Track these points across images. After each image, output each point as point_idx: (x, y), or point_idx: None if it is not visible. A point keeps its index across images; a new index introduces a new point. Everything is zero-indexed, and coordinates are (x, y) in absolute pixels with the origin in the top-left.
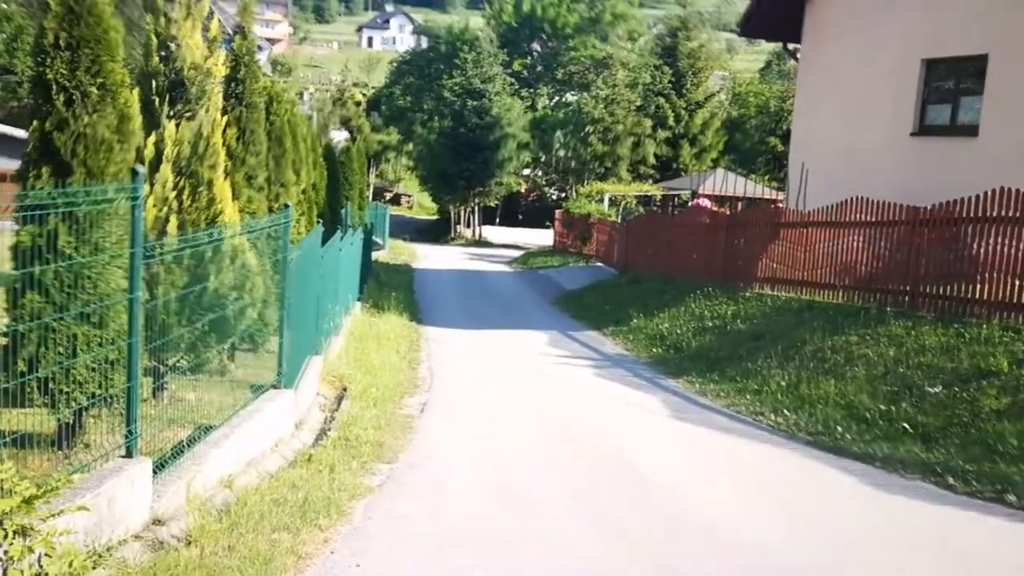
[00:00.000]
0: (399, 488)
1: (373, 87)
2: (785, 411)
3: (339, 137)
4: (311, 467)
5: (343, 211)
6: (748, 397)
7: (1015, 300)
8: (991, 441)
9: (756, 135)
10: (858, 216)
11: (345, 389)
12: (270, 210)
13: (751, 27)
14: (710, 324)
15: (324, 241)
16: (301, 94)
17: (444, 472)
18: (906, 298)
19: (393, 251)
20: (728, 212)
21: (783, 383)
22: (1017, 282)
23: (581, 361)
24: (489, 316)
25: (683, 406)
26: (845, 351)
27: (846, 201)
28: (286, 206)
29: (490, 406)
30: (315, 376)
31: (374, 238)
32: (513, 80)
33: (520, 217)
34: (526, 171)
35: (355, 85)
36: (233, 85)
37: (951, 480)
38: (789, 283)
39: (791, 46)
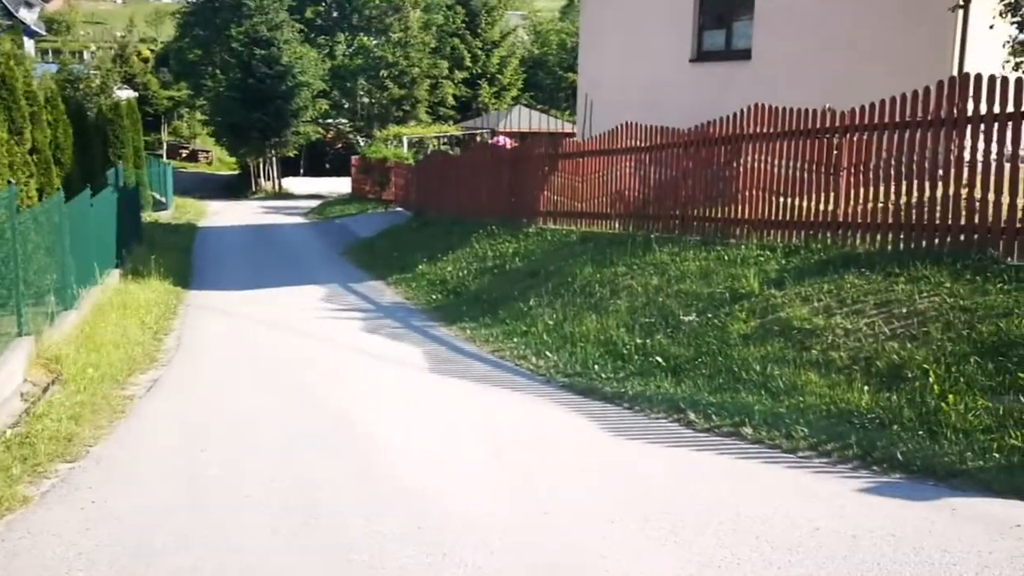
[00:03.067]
0: (66, 494)
1: (162, 42)
2: (547, 352)
3: (125, 95)
4: None
5: (113, 171)
6: (515, 340)
7: (770, 216)
8: (736, 368)
9: (557, 71)
10: (628, 142)
11: (60, 373)
12: None
13: None
14: (490, 265)
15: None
16: (80, 53)
17: (136, 467)
18: (676, 223)
19: (179, 210)
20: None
21: (550, 322)
22: (772, 198)
23: (353, 314)
24: (269, 274)
25: (446, 356)
26: (612, 283)
27: (616, 128)
28: None
29: (229, 377)
30: (21, 361)
31: (158, 197)
32: (304, 28)
33: (327, 167)
34: (330, 121)
35: (142, 41)
36: None
37: (692, 416)
38: (569, 216)
39: None
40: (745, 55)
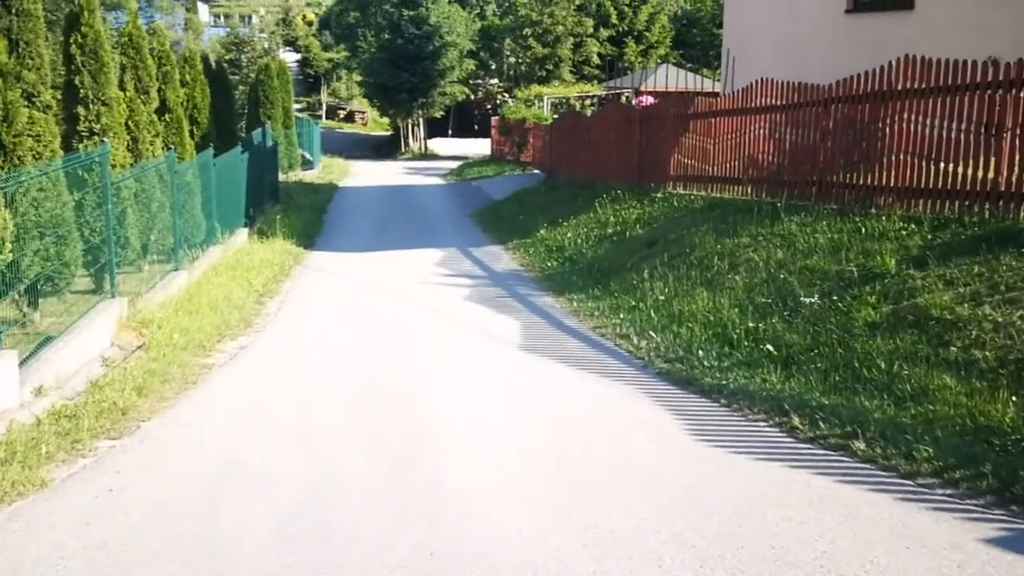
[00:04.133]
0: (90, 478)
1: (326, 6)
2: (651, 332)
3: (291, 58)
4: None
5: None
6: (621, 316)
7: (918, 184)
8: (857, 363)
9: (711, 28)
10: (763, 101)
11: (147, 338)
12: (69, 136)
13: None
14: (611, 232)
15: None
16: (249, 17)
17: (174, 451)
18: (812, 190)
19: (325, 169)
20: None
21: (660, 297)
22: (922, 163)
23: (463, 281)
24: (393, 235)
25: (543, 332)
26: (732, 256)
27: (750, 85)
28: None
29: (314, 351)
30: (108, 324)
31: (307, 156)
32: None
33: (476, 128)
34: (478, 81)
35: (308, 4)
36: None
37: (796, 421)
38: (699, 180)
39: None
40: (907, 4)
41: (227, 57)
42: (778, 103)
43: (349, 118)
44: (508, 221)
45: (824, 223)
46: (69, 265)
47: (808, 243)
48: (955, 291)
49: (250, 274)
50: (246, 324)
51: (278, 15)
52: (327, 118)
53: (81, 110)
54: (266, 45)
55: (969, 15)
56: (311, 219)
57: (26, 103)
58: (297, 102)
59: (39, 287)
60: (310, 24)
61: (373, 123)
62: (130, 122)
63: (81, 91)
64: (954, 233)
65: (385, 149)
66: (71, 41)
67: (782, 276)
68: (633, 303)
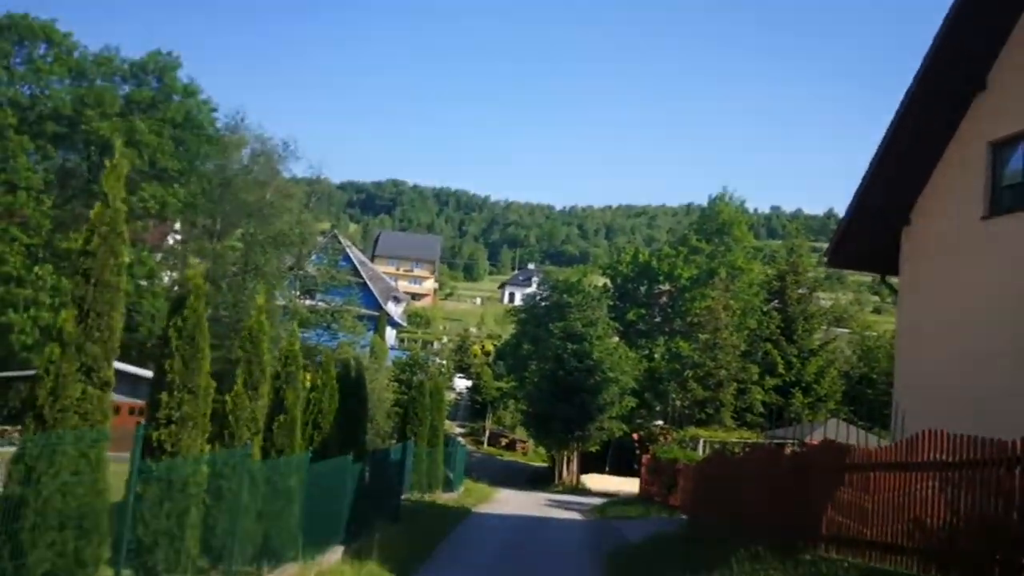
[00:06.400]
0: None
1: (505, 339)
2: None
3: (461, 385)
4: None
5: (400, 446)
6: None
7: None
8: None
9: (884, 388)
10: (930, 454)
11: None
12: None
13: (840, 257)
14: None
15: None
16: (432, 343)
17: None
18: (995, 569)
19: (465, 493)
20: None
21: None
22: None
23: None
24: (510, 573)
25: None
26: None
27: (916, 436)
28: None
29: None
30: None
31: (450, 477)
32: (623, 329)
33: (635, 467)
34: (640, 420)
35: (488, 337)
36: (82, 259)
37: None
38: (855, 544)
39: (889, 278)
40: None
41: (400, 377)
42: (950, 459)
43: (511, 446)
44: (638, 567)
45: None
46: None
47: None
48: None
49: None
50: None
51: (457, 342)
52: (489, 444)
53: (164, 396)
54: (440, 368)
55: None
56: (423, 544)
57: (84, 377)
58: (462, 427)
59: None
60: (487, 354)
61: (533, 454)
62: (231, 416)
63: (168, 376)
64: None
65: (540, 480)
66: (171, 324)
67: None
68: None
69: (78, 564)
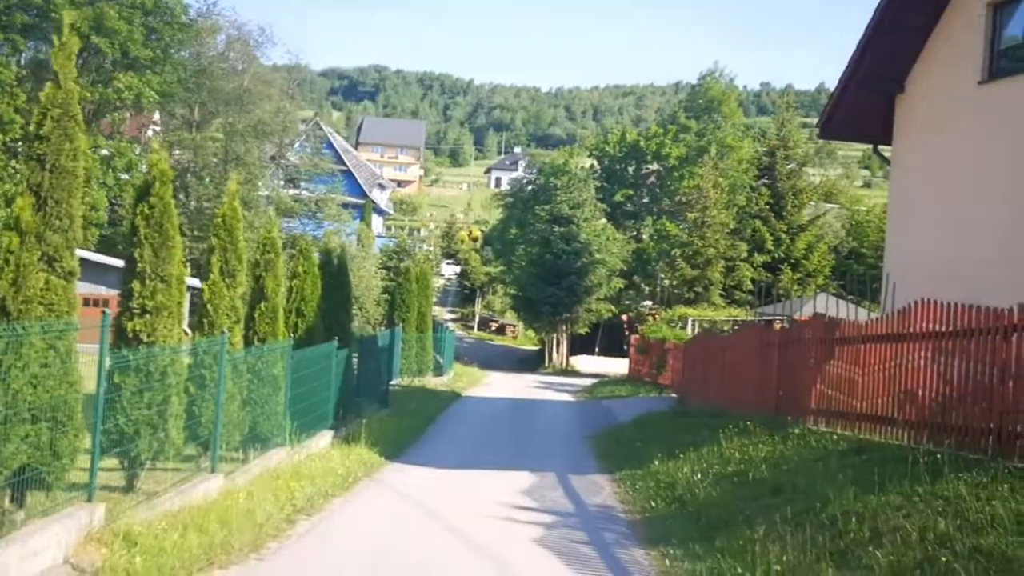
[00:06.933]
0: None
1: (492, 224)
2: None
3: (449, 271)
4: None
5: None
6: None
7: None
8: None
9: (873, 263)
10: (924, 325)
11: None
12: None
13: (832, 128)
14: (731, 470)
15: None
16: (418, 230)
17: None
18: (989, 439)
19: (455, 377)
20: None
21: (777, 566)
22: None
23: (542, 518)
24: (492, 453)
25: None
26: (874, 519)
27: (909, 306)
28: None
29: None
30: (64, 536)
31: (440, 361)
32: (611, 210)
33: (624, 348)
34: (628, 301)
35: (475, 223)
36: (36, 144)
37: None
38: (844, 417)
39: (881, 149)
40: None
41: (388, 264)
42: (944, 328)
43: (500, 330)
44: (624, 447)
45: (1005, 485)
46: (61, 456)
47: (983, 513)
48: None
49: (301, 484)
50: (252, 547)
51: (444, 228)
52: (479, 329)
53: (136, 285)
54: (428, 255)
55: None
56: (412, 427)
57: (46, 267)
58: (452, 312)
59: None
60: (475, 239)
61: (523, 337)
62: (209, 305)
63: (139, 265)
64: None
65: (530, 363)
66: (137, 212)
67: (943, 558)
68: (740, 570)
69: (54, 455)
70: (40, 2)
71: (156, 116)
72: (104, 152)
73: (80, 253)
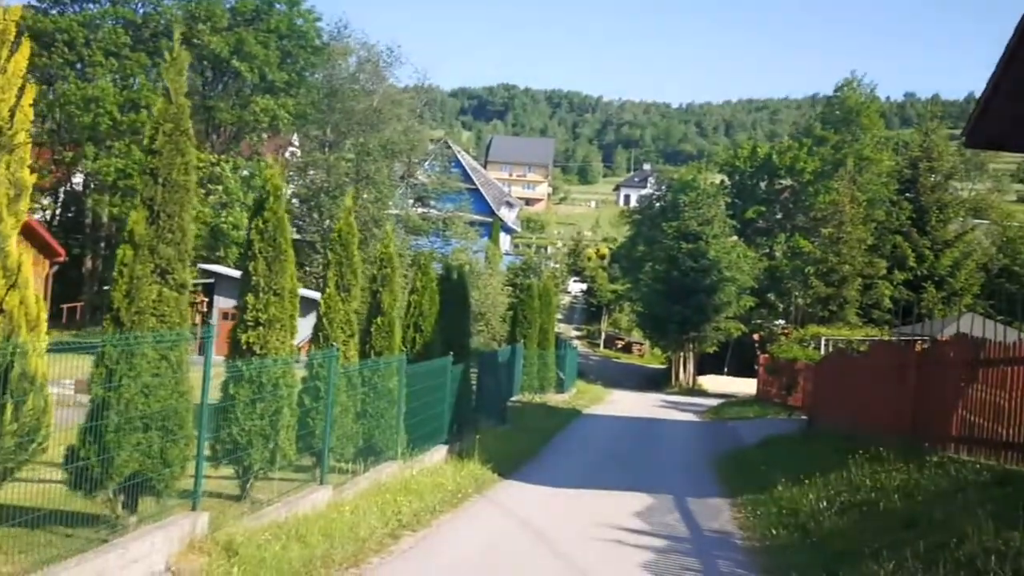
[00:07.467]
0: None
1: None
2: None
3: (576, 288)
4: None
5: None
6: None
7: None
8: None
9: None
10: None
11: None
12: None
13: (978, 136)
14: (860, 499)
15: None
16: (546, 247)
17: None
18: None
19: (578, 394)
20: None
21: None
22: None
23: (652, 542)
24: (610, 473)
25: None
26: (1016, 559)
27: None
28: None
29: None
30: (167, 543)
31: (562, 377)
32: (741, 226)
33: (755, 367)
34: (759, 320)
35: (604, 240)
36: (149, 158)
37: None
38: (988, 444)
39: None
40: None
41: (514, 281)
42: None
43: (627, 348)
44: (747, 470)
45: None
46: (171, 464)
47: None
48: None
49: (408, 499)
50: (353, 562)
51: (571, 245)
52: (605, 347)
53: (250, 298)
54: (553, 272)
55: None
56: (528, 444)
57: (159, 279)
58: (578, 330)
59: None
60: (602, 257)
61: (651, 356)
62: (324, 319)
63: (253, 279)
64: None
65: (656, 382)
66: (252, 227)
67: None
68: None
69: (164, 464)
70: (185, 29)
71: (294, 138)
72: (244, 173)
73: (220, 269)
